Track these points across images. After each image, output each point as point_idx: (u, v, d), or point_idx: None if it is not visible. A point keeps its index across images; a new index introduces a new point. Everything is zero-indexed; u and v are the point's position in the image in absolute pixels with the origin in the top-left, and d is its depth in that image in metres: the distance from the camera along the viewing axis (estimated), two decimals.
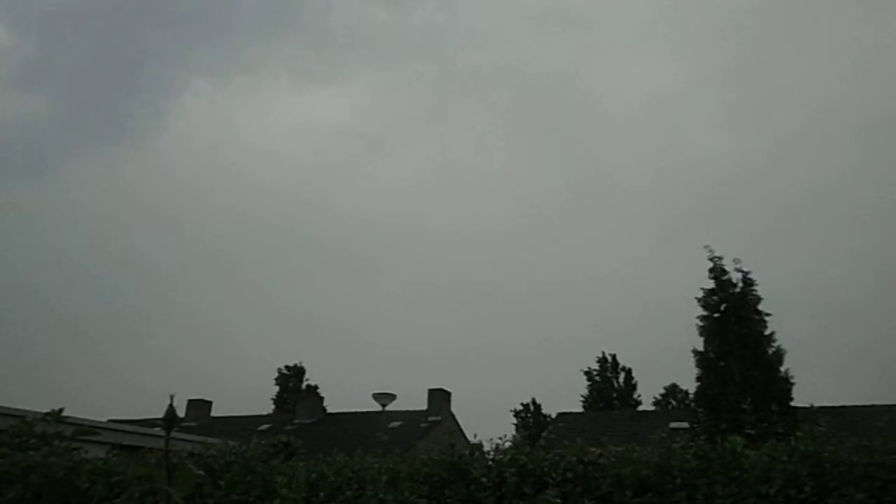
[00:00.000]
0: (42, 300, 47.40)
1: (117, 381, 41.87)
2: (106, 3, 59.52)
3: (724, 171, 54.64)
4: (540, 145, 61.46)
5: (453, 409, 31.56)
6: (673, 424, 18.78)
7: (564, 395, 41.82)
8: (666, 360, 37.50)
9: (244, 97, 64.14)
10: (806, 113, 54.95)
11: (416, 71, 62.68)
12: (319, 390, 39.11)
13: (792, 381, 17.38)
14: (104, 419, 25.80)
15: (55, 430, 4.42)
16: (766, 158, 53.68)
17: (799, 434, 5.73)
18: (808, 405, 13.88)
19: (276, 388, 42.20)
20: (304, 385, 41.71)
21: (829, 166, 50.31)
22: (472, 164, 61.20)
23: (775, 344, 17.77)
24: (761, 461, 5.49)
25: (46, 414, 4.27)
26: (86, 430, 3.63)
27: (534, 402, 41.56)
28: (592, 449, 6.05)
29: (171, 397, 1.86)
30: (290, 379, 43.27)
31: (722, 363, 17.65)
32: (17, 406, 9.34)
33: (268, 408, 40.32)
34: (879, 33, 51.40)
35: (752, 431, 6.69)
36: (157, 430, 13.02)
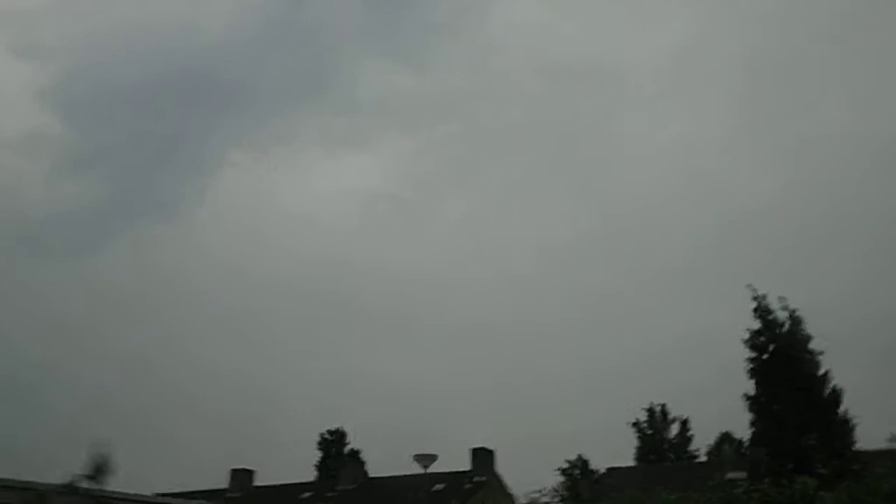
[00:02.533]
0: (83, 379, 48.12)
1: (169, 454, 41.85)
2: (146, 89, 62.58)
3: (764, 205, 53.56)
4: (567, 194, 61.57)
5: (498, 467, 30.69)
6: (730, 475, 17.89)
7: (612, 449, 40.26)
8: (715, 407, 36.04)
9: (279, 166, 66.09)
10: (829, 145, 54.08)
11: (444, 132, 63.97)
12: (361, 454, 38.52)
13: (853, 422, 16.51)
14: (149, 492, 25.70)
15: (70, 502, 4.35)
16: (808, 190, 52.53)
17: (879, 472, 5.34)
18: (872, 449, 13.13)
19: (319, 454, 41.67)
20: (346, 449, 41.15)
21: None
22: (500, 216, 61.50)
23: (831, 384, 16.97)
24: (841, 502, 5.11)
25: (61, 486, 4.19)
26: (101, 502, 3.53)
27: (580, 458, 40.20)
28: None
29: (99, 445, 1.71)
30: (333, 444, 42.77)
31: (775, 406, 16.88)
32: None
33: (310, 474, 39.75)
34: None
35: (823, 471, 6.28)
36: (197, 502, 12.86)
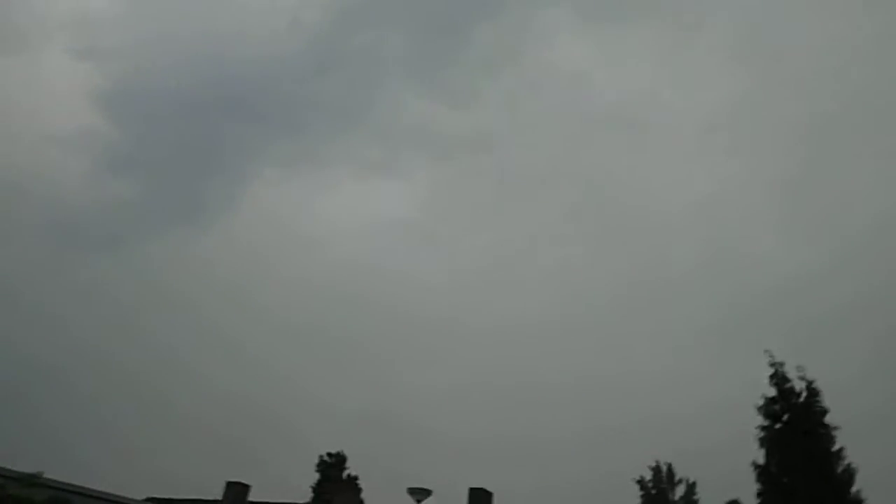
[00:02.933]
0: (119, 367, 48.25)
1: (167, 464, 41.78)
2: (194, 98, 64.16)
3: (785, 276, 52.66)
4: (591, 242, 61.22)
5: None
6: None
7: (614, 502, 39.20)
8: (720, 470, 34.99)
9: (311, 185, 66.88)
10: (862, 222, 53.08)
11: (474, 168, 64.36)
12: (359, 481, 37.96)
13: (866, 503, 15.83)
14: (141, 497, 25.58)
15: (28, 493, 4.26)
16: (826, 263, 51.60)
17: None
18: None
19: (317, 476, 41.21)
20: (344, 474, 40.64)
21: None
22: (524, 258, 61.25)
23: (845, 461, 16.32)
24: None
25: (22, 475, 4.11)
26: (61, 498, 3.43)
27: None
28: None
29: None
30: (331, 467, 42.27)
31: (785, 479, 16.27)
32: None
33: (306, 495, 39.29)
34: None
35: None
36: None
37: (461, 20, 68.83)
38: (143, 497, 27.70)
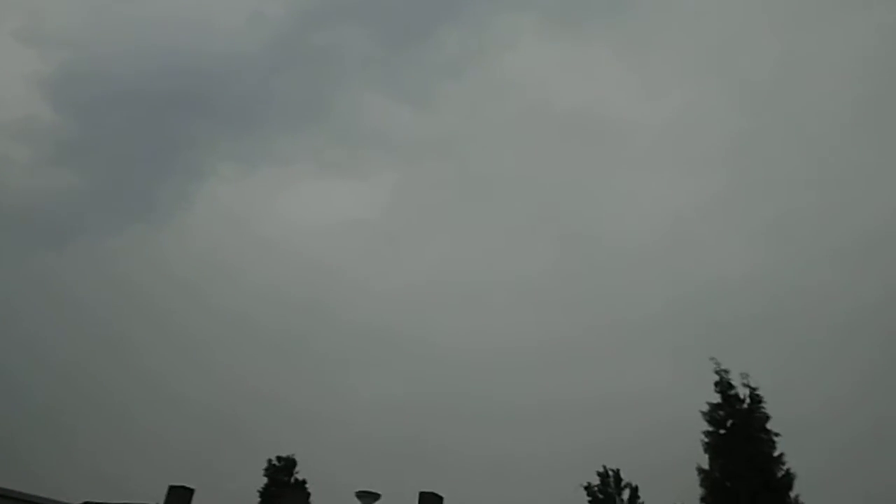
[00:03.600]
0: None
1: (106, 467, 40.44)
2: (146, 88, 62.48)
3: (749, 290, 54.04)
4: (551, 248, 61.82)
5: None
6: None
7: None
8: (670, 476, 35.59)
9: (269, 185, 65.86)
10: (835, 237, 54.97)
11: (436, 170, 64.39)
12: (308, 485, 37.36)
13: None
14: (77, 501, 24.64)
15: None
16: (791, 280, 53.14)
17: None
18: None
19: (265, 480, 40.38)
20: (293, 479, 39.93)
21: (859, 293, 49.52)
22: (481, 262, 61.46)
23: (785, 466, 16.76)
24: None
25: None
26: None
27: None
28: None
29: None
30: (281, 471, 41.50)
31: (728, 483, 16.61)
32: None
33: (254, 500, 38.48)
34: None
35: None
36: None
37: (425, 21, 69.00)
38: (80, 501, 26.72)
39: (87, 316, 50.83)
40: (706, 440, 17.41)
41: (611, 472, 37.10)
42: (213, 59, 66.59)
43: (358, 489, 20.17)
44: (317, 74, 70.22)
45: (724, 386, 17.72)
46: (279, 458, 41.43)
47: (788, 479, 16.60)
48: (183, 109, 67.77)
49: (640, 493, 36.84)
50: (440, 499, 30.09)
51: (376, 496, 19.99)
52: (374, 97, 68.43)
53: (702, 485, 17.07)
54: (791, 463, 16.77)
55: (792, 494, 16.41)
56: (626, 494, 36.83)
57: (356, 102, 67.80)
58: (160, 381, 47.05)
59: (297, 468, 41.56)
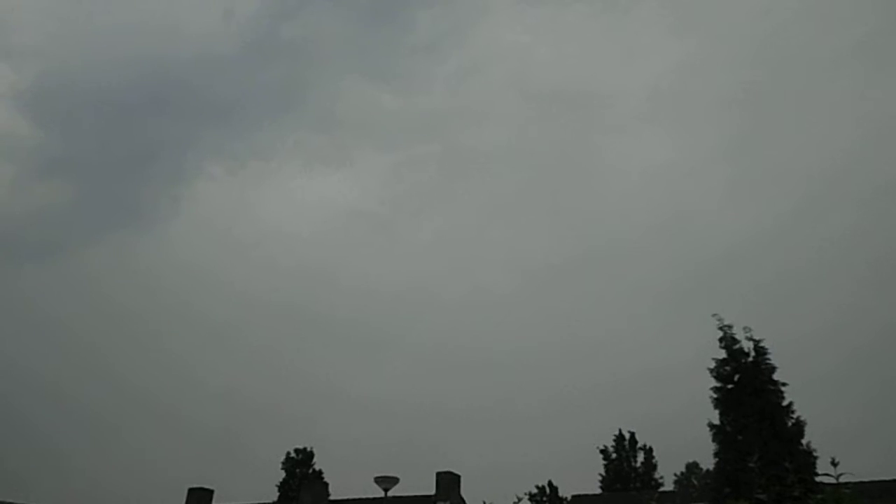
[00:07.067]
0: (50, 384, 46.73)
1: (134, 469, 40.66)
2: (123, 95, 61.81)
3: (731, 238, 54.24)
4: (544, 217, 61.83)
5: (463, 492, 30.20)
6: None
7: (580, 475, 39.99)
8: (685, 436, 36.01)
9: (256, 180, 65.50)
10: (807, 183, 55.07)
11: (423, 152, 64.04)
12: (325, 476, 37.74)
13: (815, 454, 16.43)
14: None
15: None
16: (772, 226, 53.32)
17: (819, 497, 5.17)
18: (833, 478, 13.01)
19: (283, 474, 40.73)
20: (310, 470, 40.28)
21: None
22: (476, 237, 61.44)
23: (794, 415, 16.93)
24: None
25: None
26: None
27: (550, 484, 39.82)
28: None
29: None
30: (298, 464, 41.84)
31: (739, 437, 16.79)
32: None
33: (273, 494, 38.85)
34: (881, 103, 52.06)
35: (762, 496, 6.12)
36: None
37: (398, 4, 68.16)
38: None
39: (73, 331, 50.85)
40: (715, 396, 17.55)
41: (626, 435, 37.63)
42: (188, 61, 66.08)
43: (376, 475, 20.37)
44: (292, 66, 69.67)
45: (728, 341, 17.81)
46: (297, 451, 41.78)
47: (798, 427, 16.77)
48: (162, 114, 67.47)
49: (654, 454, 37.40)
50: (457, 477, 30.40)
51: (395, 480, 20.20)
52: (355, 84, 68.38)
53: (714, 440, 17.26)
54: (801, 413, 16.92)
55: (803, 441, 16.58)
56: (642, 457, 37.38)
57: (337, 91, 67.70)
58: (150, 396, 47.12)
59: (314, 460, 41.91)
